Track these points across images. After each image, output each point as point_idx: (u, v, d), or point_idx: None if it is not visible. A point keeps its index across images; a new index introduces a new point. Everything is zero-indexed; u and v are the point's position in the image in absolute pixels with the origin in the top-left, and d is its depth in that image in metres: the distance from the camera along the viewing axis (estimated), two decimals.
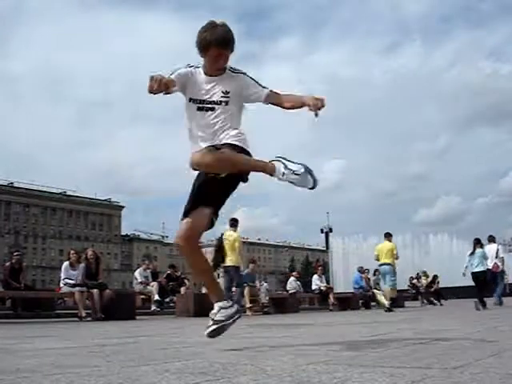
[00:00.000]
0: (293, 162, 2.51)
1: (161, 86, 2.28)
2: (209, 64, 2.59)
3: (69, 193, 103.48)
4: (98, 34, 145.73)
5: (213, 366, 1.98)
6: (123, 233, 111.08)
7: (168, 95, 2.42)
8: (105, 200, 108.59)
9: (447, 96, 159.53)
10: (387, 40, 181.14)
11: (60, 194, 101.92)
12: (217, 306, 2.64)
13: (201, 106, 2.59)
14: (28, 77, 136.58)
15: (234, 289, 9.16)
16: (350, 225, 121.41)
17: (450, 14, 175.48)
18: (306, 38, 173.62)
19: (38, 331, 5.32)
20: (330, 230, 40.88)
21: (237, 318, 2.65)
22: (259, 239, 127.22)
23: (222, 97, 2.57)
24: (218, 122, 2.58)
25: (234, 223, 9.24)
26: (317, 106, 2.45)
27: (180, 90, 2.62)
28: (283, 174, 2.47)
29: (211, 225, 2.64)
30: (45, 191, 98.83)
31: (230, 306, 2.66)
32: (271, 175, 2.50)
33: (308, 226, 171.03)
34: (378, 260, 10.54)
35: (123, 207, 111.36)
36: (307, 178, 2.50)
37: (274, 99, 2.65)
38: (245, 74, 2.66)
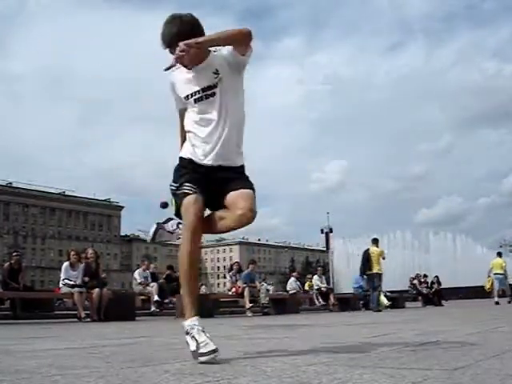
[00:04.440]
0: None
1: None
2: None
3: (68, 193, 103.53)
4: (99, 34, 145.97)
5: (212, 367, 1.98)
6: (123, 233, 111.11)
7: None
8: (104, 200, 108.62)
9: (450, 96, 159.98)
10: (389, 40, 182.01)
11: (59, 194, 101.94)
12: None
13: (200, 95, 2.38)
14: (28, 76, 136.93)
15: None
16: (350, 225, 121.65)
17: (452, 13, 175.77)
18: (308, 38, 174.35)
19: (37, 332, 5.31)
20: (331, 231, 40.84)
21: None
22: (259, 239, 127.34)
23: (215, 78, 2.36)
24: (224, 104, 2.37)
25: (376, 241, 12.34)
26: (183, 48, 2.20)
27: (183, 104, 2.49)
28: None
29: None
30: (44, 191, 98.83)
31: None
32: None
33: (308, 227, 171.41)
34: (491, 271, 15.06)
35: (123, 207, 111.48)
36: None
37: None
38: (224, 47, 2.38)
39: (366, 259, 11.97)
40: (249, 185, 2.40)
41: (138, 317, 8.75)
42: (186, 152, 2.44)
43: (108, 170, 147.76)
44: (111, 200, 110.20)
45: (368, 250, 12.12)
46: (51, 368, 2.07)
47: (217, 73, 2.36)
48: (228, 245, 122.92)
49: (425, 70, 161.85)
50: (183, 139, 2.53)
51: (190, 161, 2.40)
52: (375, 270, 11.81)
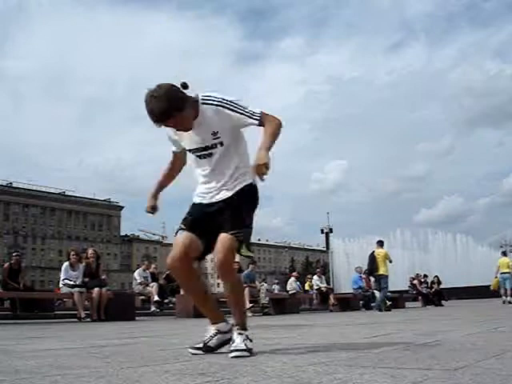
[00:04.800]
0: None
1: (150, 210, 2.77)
2: None
3: (68, 193, 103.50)
4: (100, 34, 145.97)
5: (212, 367, 1.98)
6: (123, 233, 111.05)
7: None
8: (104, 200, 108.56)
9: (450, 96, 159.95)
10: (390, 40, 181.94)
11: (59, 194, 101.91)
12: (214, 328, 2.58)
13: (199, 154, 2.52)
14: (28, 76, 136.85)
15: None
16: (350, 225, 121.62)
17: (454, 13, 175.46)
18: (309, 38, 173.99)
19: (36, 332, 5.31)
20: (331, 231, 40.87)
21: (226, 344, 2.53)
22: (259, 239, 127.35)
23: (213, 139, 2.45)
24: (220, 163, 2.49)
25: (381, 243, 12.64)
26: (260, 172, 2.29)
27: (180, 148, 2.65)
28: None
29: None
30: (44, 191, 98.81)
31: (226, 332, 2.58)
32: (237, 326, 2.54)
33: (308, 227, 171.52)
34: (498, 270, 15.38)
35: (123, 207, 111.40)
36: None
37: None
38: (220, 104, 2.42)
39: (372, 261, 12.26)
40: (235, 225, 2.46)
41: (138, 317, 8.74)
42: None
43: (108, 170, 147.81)
44: (111, 200, 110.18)
45: (374, 252, 12.42)
46: (51, 368, 2.07)
47: (216, 135, 2.45)
48: None
49: (426, 70, 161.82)
50: (163, 178, 2.81)
51: (193, 203, 2.63)
52: (381, 272, 12.14)
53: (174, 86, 2.38)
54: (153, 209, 2.79)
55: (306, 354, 2.41)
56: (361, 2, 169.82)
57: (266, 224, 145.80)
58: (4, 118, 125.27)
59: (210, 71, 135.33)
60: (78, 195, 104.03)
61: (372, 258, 12.28)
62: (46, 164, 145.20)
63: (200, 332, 2.54)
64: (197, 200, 2.59)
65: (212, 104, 2.43)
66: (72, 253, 8.79)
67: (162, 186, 2.82)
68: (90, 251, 9.20)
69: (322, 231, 41.64)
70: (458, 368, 1.81)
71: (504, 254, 16.53)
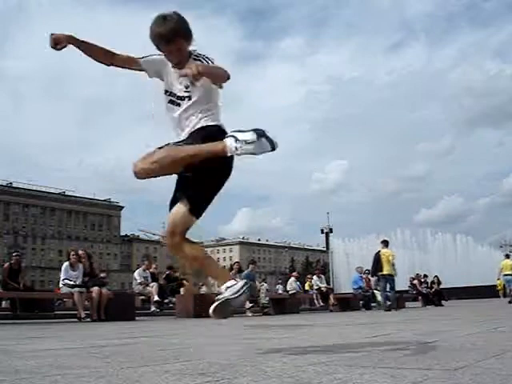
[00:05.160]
0: (243, 132, 2.27)
1: (51, 41, 2.44)
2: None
3: (68, 193, 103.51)
4: (100, 34, 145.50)
5: (212, 367, 1.98)
6: (123, 233, 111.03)
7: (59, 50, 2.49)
8: (104, 200, 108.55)
9: (450, 96, 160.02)
10: (391, 39, 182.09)
11: (59, 194, 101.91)
12: (223, 286, 2.40)
13: (172, 99, 2.51)
14: (29, 76, 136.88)
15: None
16: (350, 225, 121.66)
17: (454, 13, 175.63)
18: (309, 38, 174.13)
19: (36, 332, 5.31)
20: (331, 231, 40.89)
21: (244, 291, 2.30)
22: (259, 239, 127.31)
23: (184, 91, 2.46)
24: (185, 117, 2.46)
25: (386, 243, 12.70)
26: (192, 74, 2.17)
27: (150, 75, 2.57)
28: (236, 148, 2.23)
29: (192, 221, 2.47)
30: (44, 191, 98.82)
31: (235, 284, 2.37)
32: (225, 155, 2.26)
33: (308, 227, 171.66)
34: (501, 272, 15.91)
35: (123, 207, 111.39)
36: (262, 142, 2.25)
37: None
38: (204, 58, 2.46)
39: (377, 261, 12.30)
40: (191, 191, 2.40)
41: (138, 317, 8.74)
42: None
43: (108, 170, 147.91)
44: (111, 200, 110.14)
45: (379, 251, 12.46)
46: (51, 368, 2.07)
47: (187, 89, 2.45)
48: (228, 245, 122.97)
49: (426, 70, 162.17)
50: (104, 49, 2.76)
51: None
52: (385, 272, 12.21)
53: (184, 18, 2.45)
54: (56, 40, 2.49)
55: (306, 354, 2.41)
56: (361, 2, 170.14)
57: (266, 224, 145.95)
58: (4, 118, 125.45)
59: None
60: (78, 195, 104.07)
61: (377, 258, 12.29)
62: (46, 164, 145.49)
63: (200, 332, 2.53)
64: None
65: (198, 60, 2.46)
66: (72, 253, 8.78)
67: (94, 47, 2.66)
68: (80, 252, 9.15)
69: (322, 231, 41.67)
70: (458, 368, 1.80)
71: (507, 256, 16.88)
